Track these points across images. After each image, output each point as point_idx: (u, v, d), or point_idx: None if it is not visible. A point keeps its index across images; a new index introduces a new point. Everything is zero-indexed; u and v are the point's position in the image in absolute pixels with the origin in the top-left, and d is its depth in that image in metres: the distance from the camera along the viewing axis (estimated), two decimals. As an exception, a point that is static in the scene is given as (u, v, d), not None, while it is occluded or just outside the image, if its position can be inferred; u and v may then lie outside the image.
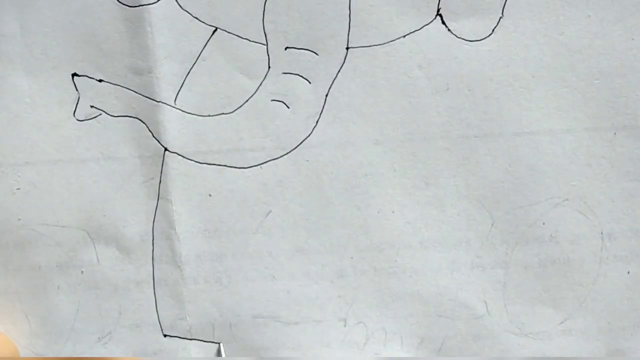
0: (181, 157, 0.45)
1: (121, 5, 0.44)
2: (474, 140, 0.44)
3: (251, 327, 0.46)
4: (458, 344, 0.45)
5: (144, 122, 0.45)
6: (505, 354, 0.45)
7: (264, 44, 0.44)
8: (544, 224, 0.45)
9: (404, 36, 0.44)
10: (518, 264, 0.45)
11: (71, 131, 0.45)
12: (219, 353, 0.45)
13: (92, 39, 0.44)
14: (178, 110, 0.45)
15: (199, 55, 0.44)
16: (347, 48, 0.44)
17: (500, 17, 0.44)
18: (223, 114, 0.45)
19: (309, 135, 0.45)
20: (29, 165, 0.45)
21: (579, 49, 0.44)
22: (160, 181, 0.45)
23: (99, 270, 0.46)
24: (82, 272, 0.46)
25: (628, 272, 0.45)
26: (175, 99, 0.45)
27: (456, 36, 0.44)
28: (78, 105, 0.45)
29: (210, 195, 0.45)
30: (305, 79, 0.44)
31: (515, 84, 0.44)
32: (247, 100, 0.45)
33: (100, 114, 0.45)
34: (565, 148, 0.44)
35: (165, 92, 0.45)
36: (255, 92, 0.45)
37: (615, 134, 0.44)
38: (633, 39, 0.44)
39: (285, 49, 0.44)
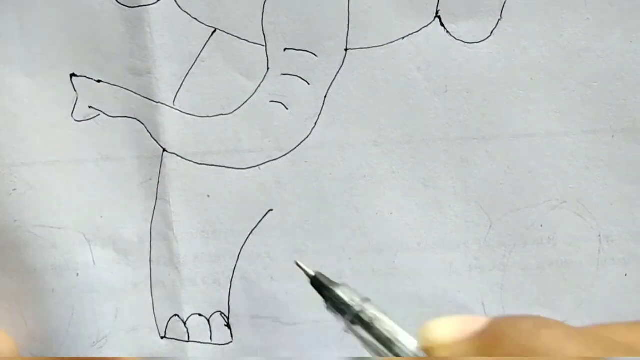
0: (180, 158, 0.45)
1: (120, 5, 0.44)
2: (472, 142, 0.44)
3: (249, 328, 0.46)
4: (457, 345, 0.45)
5: (142, 123, 0.45)
6: (503, 356, 0.45)
7: (263, 45, 0.44)
8: (542, 226, 0.45)
9: (403, 38, 0.44)
10: (516, 266, 0.45)
11: (69, 132, 0.45)
12: None
13: (91, 40, 0.44)
14: (177, 111, 0.45)
15: (198, 56, 0.44)
16: (346, 49, 0.44)
17: (499, 20, 0.44)
18: (222, 114, 0.45)
19: (308, 136, 0.45)
20: (26, 166, 0.45)
21: (577, 51, 0.44)
22: (158, 182, 0.45)
23: (94, 273, 0.46)
24: (77, 274, 0.46)
25: (625, 275, 0.45)
26: (174, 99, 0.45)
27: (455, 38, 0.44)
28: (76, 106, 0.45)
29: (208, 196, 0.45)
30: (304, 80, 0.44)
31: (513, 86, 0.44)
32: (245, 101, 0.45)
33: (99, 115, 0.45)
34: (563, 150, 0.44)
35: (164, 92, 0.45)
36: (254, 93, 0.45)
37: (613, 136, 0.44)
38: (631, 42, 0.44)
39: (284, 50, 0.44)
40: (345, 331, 0.37)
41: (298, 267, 0.40)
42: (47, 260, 0.46)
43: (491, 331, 0.30)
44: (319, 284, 0.39)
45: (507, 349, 0.29)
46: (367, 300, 0.36)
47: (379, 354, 0.34)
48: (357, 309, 0.36)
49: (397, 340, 0.34)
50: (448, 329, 0.32)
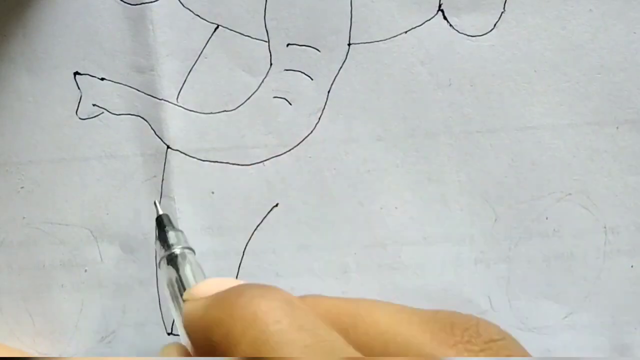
0: (184, 155, 0.45)
1: (123, 3, 0.44)
2: (476, 136, 0.44)
3: (255, 324, 0.46)
4: (462, 339, 0.45)
5: (146, 120, 0.45)
6: (509, 349, 0.45)
7: (266, 41, 0.44)
8: (547, 218, 0.45)
9: (406, 32, 0.44)
10: (521, 259, 0.45)
11: (74, 130, 0.45)
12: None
13: (94, 38, 0.44)
14: (180, 108, 0.45)
15: (201, 53, 0.44)
16: (349, 44, 0.44)
17: (502, 12, 0.44)
18: (225, 111, 0.45)
19: (312, 131, 0.45)
20: (33, 164, 0.45)
21: (580, 43, 0.44)
22: (162, 179, 0.45)
23: (102, 269, 0.46)
24: (85, 270, 0.46)
25: (631, 266, 0.45)
26: (178, 96, 0.45)
27: (458, 31, 0.44)
28: (80, 104, 0.45)
29: (213, 192, 0.45)
30: (307, 76, 0.44)
31: (517, 78, 0.44)
32: (249, 98, 0.45)
33: (103, 113, 0.45)
34: (567, 142, 0.44)
35: (168, 89, 0.45)
36: (257, 89, 0.45)
37: (617, 128, 0.44)
38: (635, 33, 0.44)
39: (287, 45, 0.44)
40: (158, 266, 0.40)
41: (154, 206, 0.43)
42: (56, 257, 0.46)
43: (223, 295, 0.32)
44: (161, 223, 0.41)
45: (226, 311, 0.31)
46: (191, 251, 0.40)
47: (174, 295, 0.38)
48: (176, 251, 0.39)
49: (182, 285, 0.38)
50: (208, 287, 0.34)
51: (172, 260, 0.39)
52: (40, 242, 0.46)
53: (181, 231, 0.41)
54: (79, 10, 0.44)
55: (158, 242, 0.41)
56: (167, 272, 0.39)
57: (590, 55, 0.44)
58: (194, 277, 0.38)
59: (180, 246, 0.40)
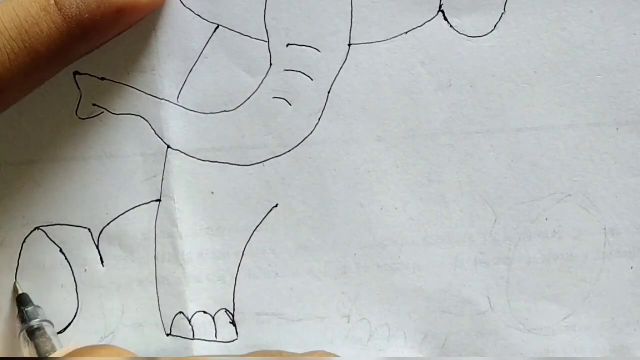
0: (184, 155, 0.45)
1: (123, 3, 0.44)
2: (476, 137, 0.44)
3: (255, 325, 0.46)
4: (462, 339, 0.45)
5: (146, 120, 0.45)
6: (508, 350, 0.45)
7: (266, 41, 0.44)
8: (547, 219, 0.45)
9: (406, 33, 0.44)
10: (521, 259, 0.45)
11: (74, 130, 0.45)
12: None
13: (94, 37, 0.44)
14: (181, 108, 0.45)
15: (201, 53, 0.44)
16: (349, 45, 0.44)
17: (503, 13, 0.44)
18: (225, 111, 0.45)
19: (312, 132, 0.45)
20: (33, 164, 0.45)
21: (581, 44, 0.44)
22: (162, 179, 0.45)
23: (102, 269, 0.46)
24: (85, 270, 0.46)
25: (631, 268, 0.45)
26: (178, 96, 0.45)
27: (458, 32, 0.44)
28: (80, 104, 0.45)
29: (212, 193, 0.45)
30: (307, 76, 0.44)
31: (517, 79, 0.44)
32: (249, 98, 0.45)
33: (103, 112, 0.45)
34: (567, 144, 0.44)
35: (168, 89, 0.45)
36: (257, 89, 0.45)
37: (617, 129, 0.44)
38: (635, 34, 0.44)
39: (287, 46, 0.44)
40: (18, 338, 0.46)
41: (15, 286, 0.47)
42: (56, 257, 0.46)
43: None
44: (21, 302, 0.46)
45: None
46: (49, 323, 0.46)
47: None
48: (34, 324, 0.45)
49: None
50: None
51: (31, 334, 0.45)
52: (40, 242, 0.46)
53: (40, 307, 0.46)
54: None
55: (18, 318, 0.46)
56: (26, 344, 0.45)
57: (591, 56, 0.44)
58: (50, 347, 0.44)
59: (37, 320, 0.45)
